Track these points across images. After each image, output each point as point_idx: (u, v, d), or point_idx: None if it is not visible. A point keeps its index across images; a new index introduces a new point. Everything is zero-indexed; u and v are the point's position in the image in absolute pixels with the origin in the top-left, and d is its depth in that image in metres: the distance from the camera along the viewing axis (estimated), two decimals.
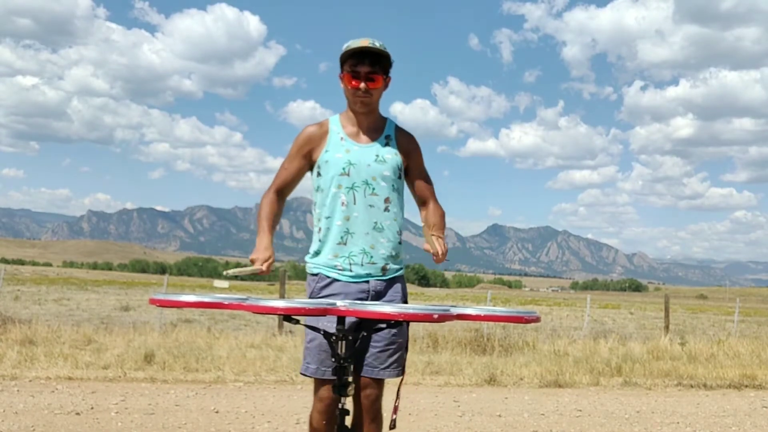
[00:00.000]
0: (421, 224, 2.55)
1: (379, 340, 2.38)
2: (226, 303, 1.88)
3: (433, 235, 2.34)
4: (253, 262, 2.31)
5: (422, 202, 2.59)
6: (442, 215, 2.57)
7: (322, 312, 1.88)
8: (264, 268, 2.30)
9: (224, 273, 2.25)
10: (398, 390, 2.32)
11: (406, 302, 2.51)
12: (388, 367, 2.40)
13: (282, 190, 2.57)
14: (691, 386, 7.31)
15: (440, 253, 2.29)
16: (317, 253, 2.47)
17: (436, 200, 2.60)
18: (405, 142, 2.54)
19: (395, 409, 2.27)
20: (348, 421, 2.21)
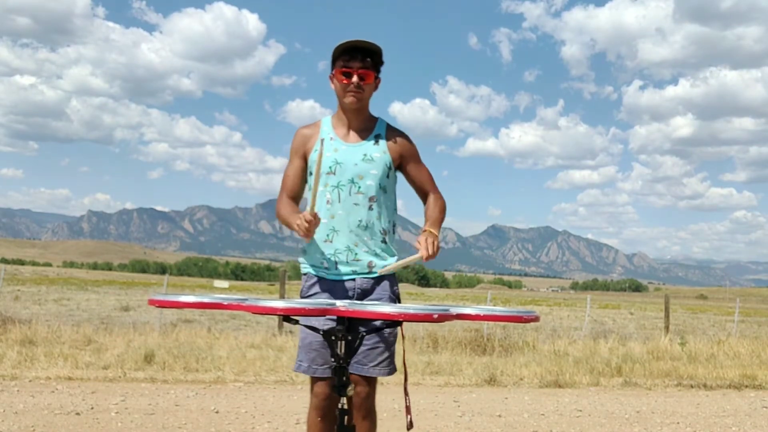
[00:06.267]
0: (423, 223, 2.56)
1: (369, 337, 2.38)
2: (225, 303, 1.87)
3: (426, 232, 2.35)
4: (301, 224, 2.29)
5: (423, 196, 2.61)
6: (442, 208, 2.55)
7: (322, 312, 1.88)
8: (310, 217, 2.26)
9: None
10: (405, 389, 2.28)
11: (396, 300, 2.52)
12: (378, 365, 2.40)
13: (293, 197, 2.57)
14: (691, 386, 7.31)
15: (424, 256, 2.25)
16: (305, 251, 2.53)
17: (436, 191, 2.59)
18: (396, 140, 2.56)
19: (408, 409, 2.24)
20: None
